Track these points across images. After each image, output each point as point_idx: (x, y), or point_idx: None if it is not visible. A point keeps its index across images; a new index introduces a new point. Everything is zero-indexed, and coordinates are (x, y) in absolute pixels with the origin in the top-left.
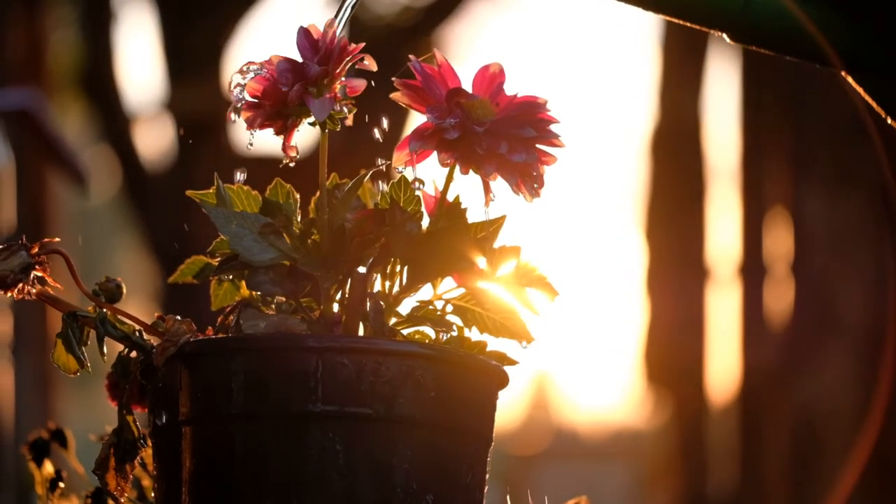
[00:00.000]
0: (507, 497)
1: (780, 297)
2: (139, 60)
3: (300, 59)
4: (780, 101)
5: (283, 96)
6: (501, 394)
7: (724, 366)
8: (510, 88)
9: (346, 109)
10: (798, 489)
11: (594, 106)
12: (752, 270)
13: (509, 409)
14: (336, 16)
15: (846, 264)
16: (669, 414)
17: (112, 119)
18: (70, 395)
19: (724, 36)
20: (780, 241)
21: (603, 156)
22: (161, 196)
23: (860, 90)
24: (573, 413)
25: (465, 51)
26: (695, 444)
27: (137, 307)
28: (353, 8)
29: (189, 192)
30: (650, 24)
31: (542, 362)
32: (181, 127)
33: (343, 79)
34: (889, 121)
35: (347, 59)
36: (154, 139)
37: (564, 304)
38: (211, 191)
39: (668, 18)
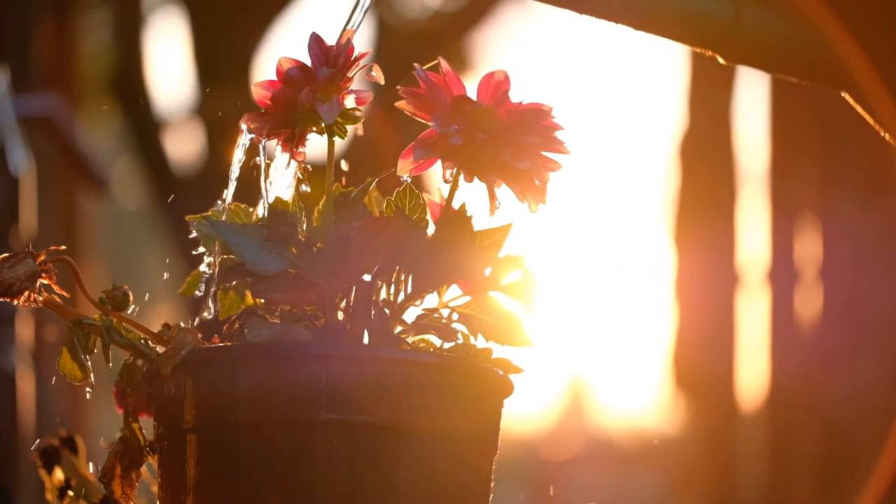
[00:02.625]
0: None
1: (809, 303)
2: (170, 66)
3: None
4: (811, 105)
5: (292, 101)
6: (535, 398)
7: (753, 371)
8: (515, 95)
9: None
10: (828, 495)
11: (624, 110)
12: (782, 276)
13: (543, 415)
14: (350, 17)
15: (876, 270)
16: (699, 419)
17: (142, 124)
18: (97, 400)
19: (717, 56)
20: (809, 247)
21: (633, 160)
22: (191, 201)
23: (858, 107)
24: (605, 418)
25: (494, 56)
26: (724, 449)
27: (168, 314)
28: (365, 11)
29: (188, 217)
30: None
31: (575, 367)
32: (211, 132)
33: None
34: (886, 136)
35: (356, 64)
36: (184, 144)
37: (596, 309)
38: (209, 213)
39: (661, 38)
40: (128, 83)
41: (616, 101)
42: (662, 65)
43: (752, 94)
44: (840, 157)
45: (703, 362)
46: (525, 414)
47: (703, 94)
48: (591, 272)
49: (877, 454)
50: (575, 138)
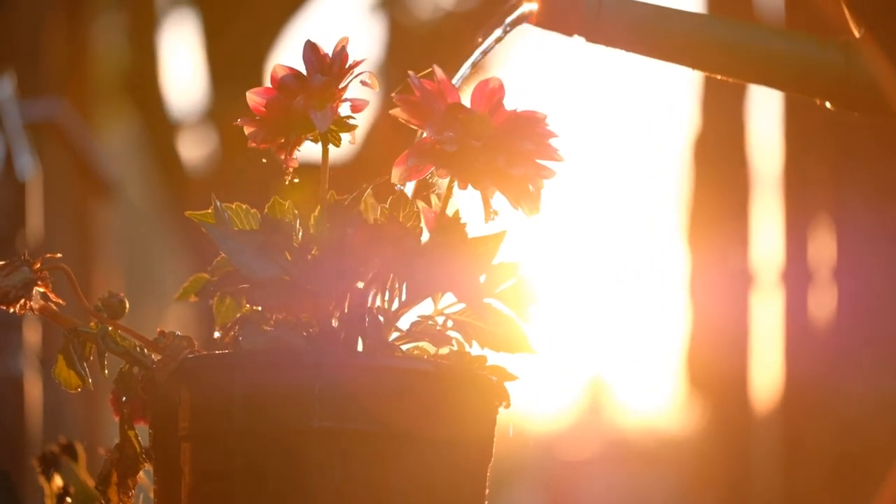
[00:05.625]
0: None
1: (823, 303)
2: (181, 69)
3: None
4: (823, 106)
5: (286, 108)
6: (554, 398)
7: (767, 371)
8: (510, 103)
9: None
10: (842, 495)
11: (637, 112)
12: (796, 277)
13: (560, 415)
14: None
15: (890, 269)
16: (713, 419)
17: (153, 127)
18: (105, 405)
19: (827, 104)
20: (823, 247)
21: (646, 162)
22: (204, 204)
23: None
24: (622, 418)
25: (506, 57)
26: (738, 449)
27: (180, 319)
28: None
29: (188, 213)
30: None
31: (592, 368)
32: (224, 134)
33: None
34: None
35: (350, 72)
36: (197, 146)
37: (611, 310)
38: (209, 211)
39: (771, 88)
40: (139, 87)
41: (630, 103)
42: (676, 68)
43: (765, 95)
44: (853, 157)
45: (717, 362)
46: (542, 414)
47: (717, 97)
48: (606, 274)
49: (892, 453)
50: (587, 141)
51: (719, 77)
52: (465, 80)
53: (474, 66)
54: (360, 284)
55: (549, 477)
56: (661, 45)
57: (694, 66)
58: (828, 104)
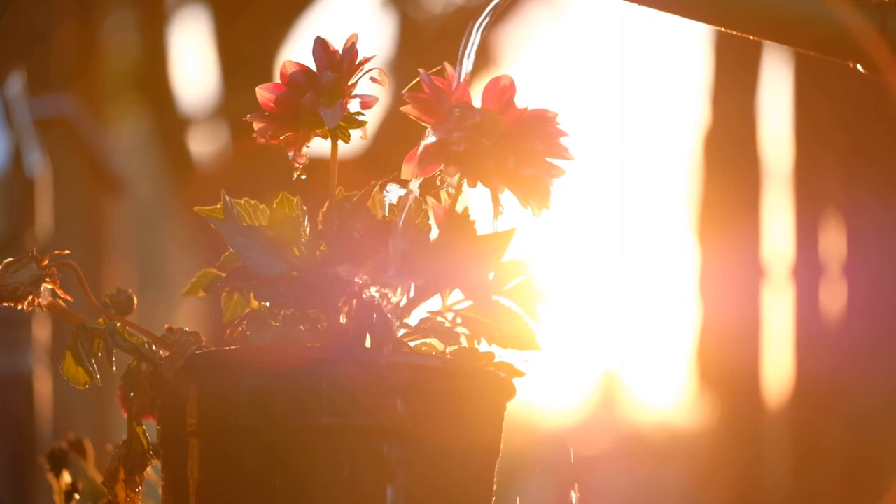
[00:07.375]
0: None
1: (834, 298)
2: (192, 64)
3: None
4: (835, 100)
5: (295, 104)
6: (567, 392)
7: (778, 367)
8: (521, 101)
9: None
10: (854, 491)
11: (647, 106)
12: (807, 271)
13: (574, 409)
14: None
15: None
16: (724, 415)
17: (166, 123)
18: (115, 402)
19: (859, 67)
20: (834, 242)
21: (657, 156)
22: (214, 200)
23: None
24: (634, 413)
25: (518, 51)
26: (749, 444)
27: (190, 315)
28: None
29: (196, 209)
30: (704, 24)
31: (605, 363)
32: (234, 130)
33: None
34: None
35: (360, 68)
36: (207, 142)
37: (623, 305)
38: (218, 206)
39: (802, 49)
40: (149, 83)
41: (640, 97)
42: (686, 62)
43: (775, 90)
44: (864, 151)
45: (728, 358)
46: (555, 409)
47: (727, 91)
48: (617, 269)
49: None
50: (597, 136)
51: (752, 38)
52: (472, 65)
53: (479, 51)
54: None
55: (561, 471)
56: (697, 3)
57: (729, 26)
58: (859, 67)
